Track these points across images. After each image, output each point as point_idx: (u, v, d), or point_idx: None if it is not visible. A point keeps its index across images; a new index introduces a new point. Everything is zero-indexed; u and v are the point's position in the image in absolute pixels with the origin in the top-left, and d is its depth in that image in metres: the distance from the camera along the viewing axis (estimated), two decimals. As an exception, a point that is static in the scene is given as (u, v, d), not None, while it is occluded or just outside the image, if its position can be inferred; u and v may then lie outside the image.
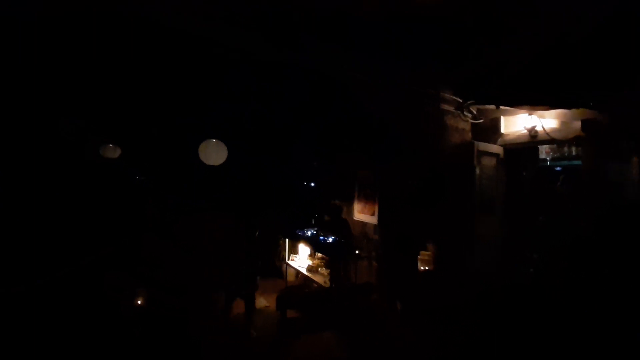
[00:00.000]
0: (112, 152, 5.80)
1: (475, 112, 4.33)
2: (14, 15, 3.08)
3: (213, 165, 5.50)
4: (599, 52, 3.16)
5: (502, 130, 4.38)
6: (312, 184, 7.23)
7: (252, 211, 6.76)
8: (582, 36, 3.16)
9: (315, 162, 6.70)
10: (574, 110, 3.67)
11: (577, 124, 3.73)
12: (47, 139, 4.90)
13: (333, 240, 5.52)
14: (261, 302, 5.48)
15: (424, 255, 4.25)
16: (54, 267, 4.65)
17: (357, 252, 5.05)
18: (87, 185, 6.20)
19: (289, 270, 6.27)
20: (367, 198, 5.36)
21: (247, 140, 6.04)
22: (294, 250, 6.35)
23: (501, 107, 4.08)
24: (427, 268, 4.21)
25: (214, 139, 4.93)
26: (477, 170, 4.19)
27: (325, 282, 5.11)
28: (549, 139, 4.02)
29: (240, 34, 3.53)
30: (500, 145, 4.39)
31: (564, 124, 3.93)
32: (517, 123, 4.24)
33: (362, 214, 5.50)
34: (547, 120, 3.97)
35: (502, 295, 3.68)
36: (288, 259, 6.24)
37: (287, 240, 6.30)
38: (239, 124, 5.81)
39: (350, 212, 5.76)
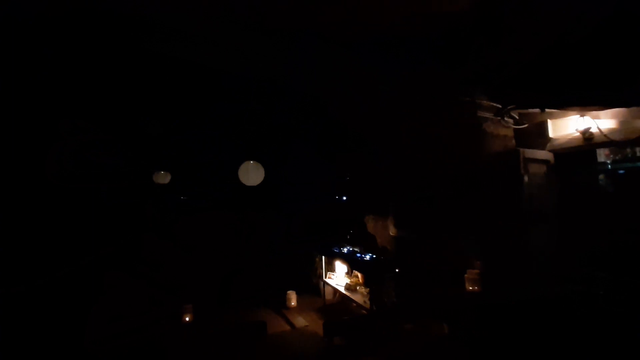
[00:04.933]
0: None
1: (517, 117, 4.05)
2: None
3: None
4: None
5: (551, 135, 4.04)
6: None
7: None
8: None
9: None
10: (634, 108, 3.33)
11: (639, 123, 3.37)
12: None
13: (370, 258, 5.36)
14: (300, 321, 5.41)
15: (471, 274, 3.97)
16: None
17: (396, 270, 4.84)
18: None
19: (327, 289, 6.16)
20: (405, 212, 5.15)
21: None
22: (330, 268, 6.25)
23: (547, 110, 3.80)
24: (475, 288, 3.92)
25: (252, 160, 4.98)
26: (525, 179, 3.88)
27: (365, 302, 4.93)
28: (607, 141, 3.64)
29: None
30: (550, 151, 4.05)
31: (623, 123, 3.56)
32: (567, 126, 3.90)
33: (398, 229, 5.29)
34: (603, 121, 3.62)
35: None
36: (325, 277, 6.14)
37: (323, 257, 6.22)
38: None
39: (386, 227, 5.57)
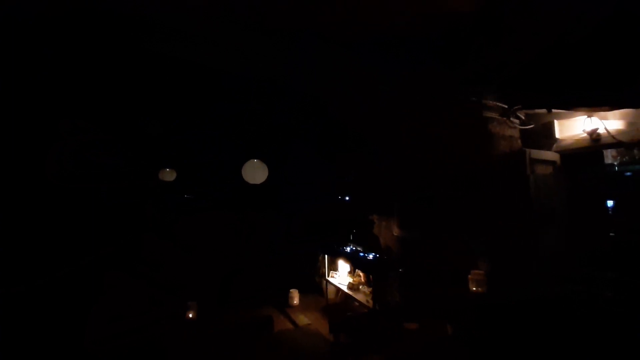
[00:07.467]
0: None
1: (523, 118, 3.98)
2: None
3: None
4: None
5: (557, 135, 3.97)
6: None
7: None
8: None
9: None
10: (643, 109, 3.25)
11: (648, 124, 3.29)
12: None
13: (373, 257, 5.34)
14: (303, 319, 5.42)
15: (475, 274, 3.92)
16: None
17: (400, 269, 4.81)
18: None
19: (329, 288, 6.15)
20: (409, 212, 5.11)
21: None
22: (333, 267, 6.23)
23: (554, 110, 3.72)
24: (479, 289, 3.87)
25: (255, 159, 4.95)
26: (532, 180, 3.82)
27: (367, 301, 4.92)
28: (615, 142, 3.56)
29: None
30: (556, 152, 3.98)
31: (631, 124, 3.48)
32: (574, 126, 3.82)
33: (402, 229, 5.25)
34: (610, 122, 3.54)
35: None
36: (328, 276, 6.13)
37: (326, 256, 6.21)
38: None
39: (389, 227, 5.54)
